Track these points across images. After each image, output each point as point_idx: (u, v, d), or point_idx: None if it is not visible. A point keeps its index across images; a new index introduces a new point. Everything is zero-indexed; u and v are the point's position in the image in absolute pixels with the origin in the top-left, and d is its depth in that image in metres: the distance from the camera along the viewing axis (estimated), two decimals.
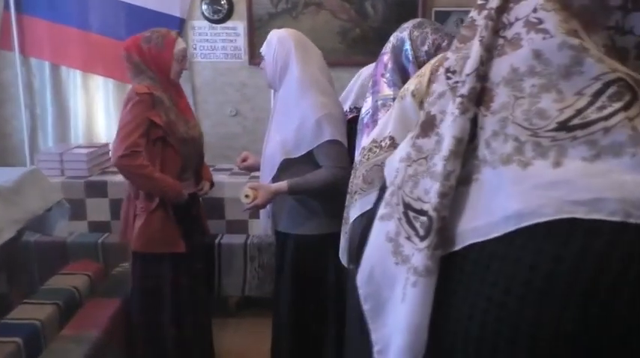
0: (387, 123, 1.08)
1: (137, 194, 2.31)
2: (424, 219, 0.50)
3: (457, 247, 0.49)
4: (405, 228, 0.53)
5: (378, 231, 0.56)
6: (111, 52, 3.68)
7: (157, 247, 2.30)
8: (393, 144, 1.02)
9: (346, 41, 3.77)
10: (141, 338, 2.42)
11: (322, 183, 2.02)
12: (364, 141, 1.60)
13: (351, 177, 1.19)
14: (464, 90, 0.50)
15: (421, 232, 0.51)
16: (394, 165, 0.58)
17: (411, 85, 1.07)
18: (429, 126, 0.54)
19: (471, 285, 0.48)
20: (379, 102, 1.54)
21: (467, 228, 0.49)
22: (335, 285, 2.12)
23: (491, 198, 0.47)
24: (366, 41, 3.77)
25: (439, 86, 0.55)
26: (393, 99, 1.52)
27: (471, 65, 0.50)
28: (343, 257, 1.15)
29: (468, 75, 0.50)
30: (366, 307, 0.57)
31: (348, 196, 1.17)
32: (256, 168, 2.39)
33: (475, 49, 0.51)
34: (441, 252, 0.49)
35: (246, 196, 2.06)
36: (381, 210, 0.57)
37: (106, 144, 3.48)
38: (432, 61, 1.08)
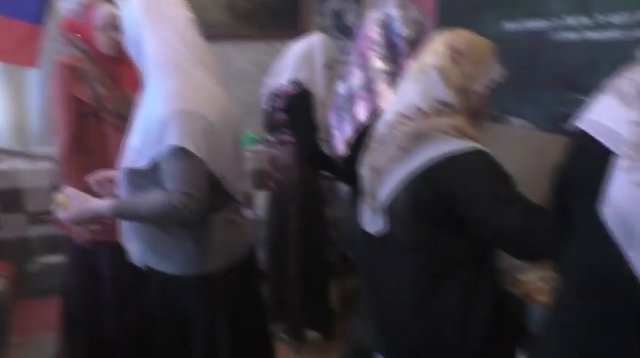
0: None
1: None
2: None
3: None
4: None
5: (624, 182, 0.77)
6: None
7: None
8: None
9: (235, 14, 3.74)
10: None
11: (154, 213, 1.35)
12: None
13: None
14: None
15: None
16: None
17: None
18: None
19: None
20: (373, 75, 1.66)
21: None
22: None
23: None
24: (255, 15, 3.77)
25: None
26: (389, 72, 1.64)
27: None
28: None
29: None
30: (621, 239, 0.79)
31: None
32: None
33: None
34: None
35: (57, 203, 1.50)
36: (624, 163, 0.77)
37: None
38: None
